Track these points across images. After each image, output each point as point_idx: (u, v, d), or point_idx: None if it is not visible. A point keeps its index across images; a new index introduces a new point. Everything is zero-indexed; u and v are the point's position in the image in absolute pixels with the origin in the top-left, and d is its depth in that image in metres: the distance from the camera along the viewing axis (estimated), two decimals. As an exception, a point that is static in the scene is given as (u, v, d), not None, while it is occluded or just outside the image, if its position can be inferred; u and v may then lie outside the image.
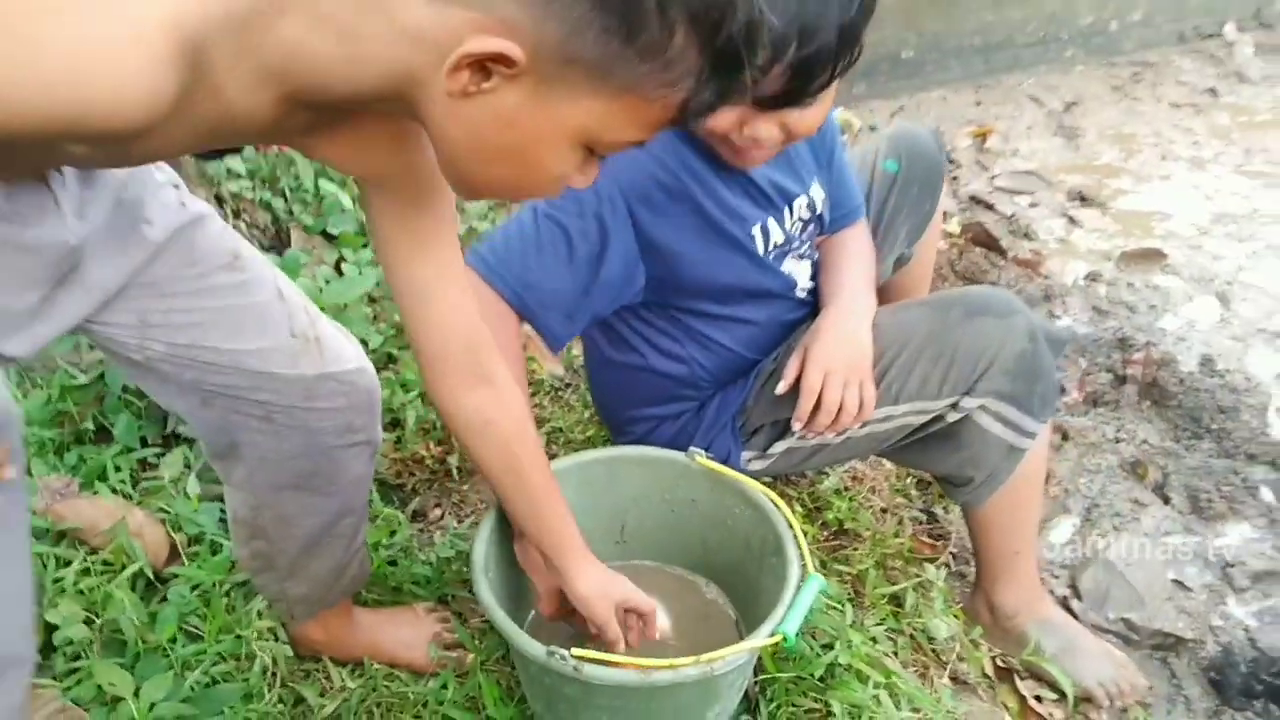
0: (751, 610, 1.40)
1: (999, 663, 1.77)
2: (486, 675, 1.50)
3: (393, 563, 1.72)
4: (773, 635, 1.21)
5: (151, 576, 1.62)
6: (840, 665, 1.46)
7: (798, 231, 1.66)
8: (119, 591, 1.55)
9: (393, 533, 1.77)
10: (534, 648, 1.19)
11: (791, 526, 1.37)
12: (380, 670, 1.53)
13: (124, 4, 0.71)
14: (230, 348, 1.18)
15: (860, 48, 1.36)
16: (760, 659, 1.47)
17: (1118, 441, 2.52)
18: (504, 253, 1.43)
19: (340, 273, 2.26)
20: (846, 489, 1.99)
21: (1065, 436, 2.52)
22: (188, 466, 1.82)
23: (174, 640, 1.53)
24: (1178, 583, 2.12)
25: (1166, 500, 2.35)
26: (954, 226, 3.29)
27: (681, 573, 1.61)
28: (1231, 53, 5.07)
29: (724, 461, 1.53)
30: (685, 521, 1.56)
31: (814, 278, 1.73)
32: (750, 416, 1.66)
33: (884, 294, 1.96)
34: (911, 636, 1.68)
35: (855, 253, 1.75)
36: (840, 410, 1.51)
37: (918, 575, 1.79)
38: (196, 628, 1.56)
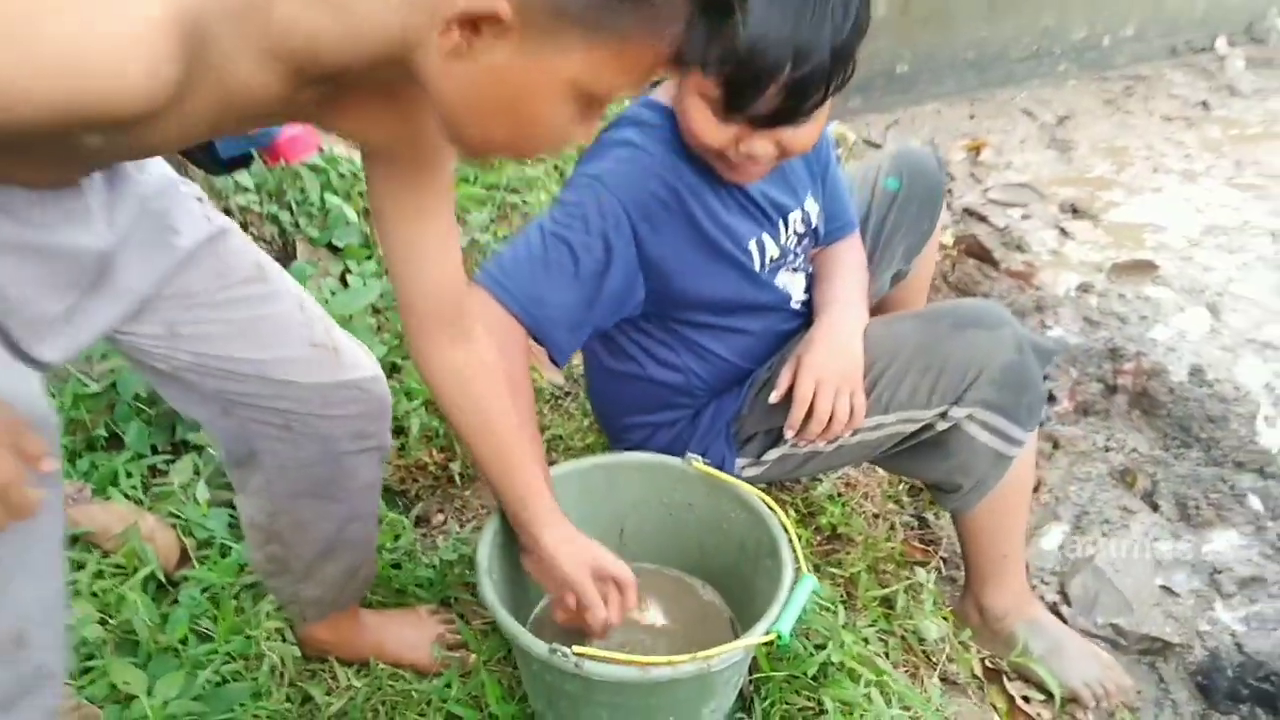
0: (747, 610, 1.43)
1: (987, 664, 1.81)
2: (489, 674, 1.54)
3: (397, 566, 1.75)
4: (767, 634, 1.24)
5: (163, 579, 1.66)
6: (833, 664, 1.50)
7: (793, 245, 1.70)
8: (131, 593, 1.58)
9: (397, 537, 1.80)
10: (536, 645, 1.22)
11: (786, 529, 1.40)
12: (385, 670, 1.56)
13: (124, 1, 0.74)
14: (254, 357, 1.21)
15: (853, 66, 1.41)
16: (755, 658, 1.50)
17: (1108, 450, 2.56)
18: (513, 270, 1.47)
19: (345, 284, 2.30)
20: (839, 495, 2.02)
21: (1056, 445, 2.55)
22: (197, 473, 1.86)
23: (185, 641, 1.57)
24: (1166, 588, 2.16)
25: (1155, 508, 2.38)
26: (947, 238, 3.33)
27: (679, 575, 1.64)
28: (1223, 66, 5.12)
29: (719, 468, 1.56)
30: (682, 525, 1.59)
31: (808, 290, 1.76)
32: (744, 424, 1.69)
33: (881, 308, 2.00)
34: (902, 638, 1.72)
35: (849, 264, 1.79)
36: (831, 419, 1.54)
37: (909, 578, 1.82)
38: (207, 629, 1.59)
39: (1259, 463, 2.50)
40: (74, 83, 0.73)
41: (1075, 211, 3.80)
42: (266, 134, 2.05)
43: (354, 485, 1.39)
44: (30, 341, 1.01)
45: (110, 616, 1.57)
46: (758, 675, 1.51)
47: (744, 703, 1.51)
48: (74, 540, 1.68)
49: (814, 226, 1.74)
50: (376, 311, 2.25)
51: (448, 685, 1.53)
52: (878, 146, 4.23)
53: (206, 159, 2.15)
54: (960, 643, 1.77)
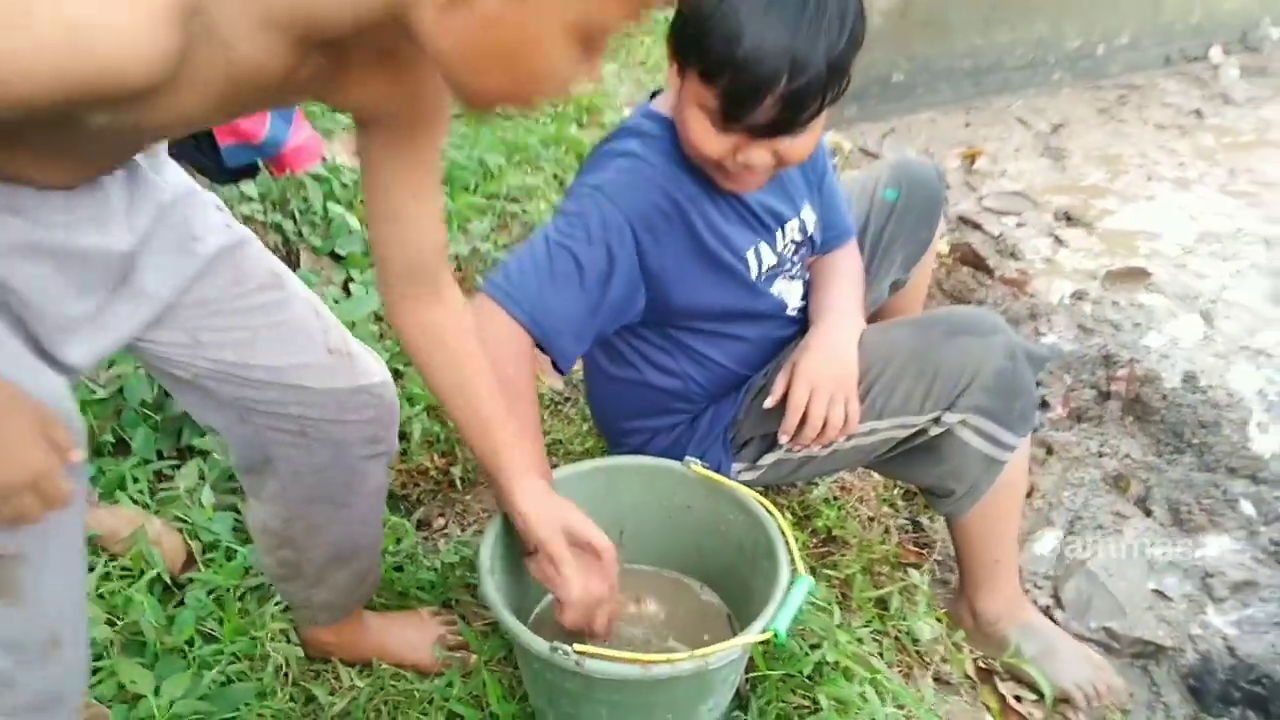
0: (744, 610, 1.45)
1: (980, 664, 1.83)
2: (490, 673, 1.56)
3: (399, 569, 1.77)
4: (764, 632, 1.26)
5: (169, 581, 1.68)
6: (828, 663, 1.52)
7: (790, 253, 1.72)
8: (139, 595, 1.60)
9: (399, 540, 1.82)
10: (537, 643, 1.24)
11: (782, 531, 1.42)
12: (387, 670, 1.58)
13: None
14: (273, 364, 1.22)
15: (849, 78, 1.43)
16: (752, 657, 1.52)
17: (1101, 456, 2.58)
18: (519, 280, 1.49)
19: (348, 292, 2.32)
20: (835, 498, 2.05)
21: (1050, 451, 2.57)
22: (202, 478, 1.88)
23: (191, 641, 1.59)
24: (1158, 592, 2.18)
25: (1148, 513, 2.41)
26: (942, 246, 3.36)
27: (677, 576, 1.66)
28: (1217, 75, 5.16)
29: (716, 472, 1.58)
30: (681, 527, 1.61)
31: (805, 297, 1.78)
32: (741, 429, 1.72)
33: (879, 316, 2.02)
34: (896, 638, 1.74)
35: (845, 272, 1.81)
36: (825, 424, 1.57)
37: (903, 580, 1.85)
38: (212, 630, 1.62)
39: (1251, 468, 2.53)
40: (74, 53, 0.74)
41: (1069, 219, 3.83)
42: (273, 144, 2.08)
43: (365, 490, 1.41)
44: (56, 344, 1.02)
45: (118, 618, 1.59)
46: (754, 674, 1.53)
47: (741, 701, 1.53)
48: (82, 543, 1.70)
49: (811, 235, 1.76)
50: (379, 319, 2.28)
51: (449, 685, 1.55)
52: (873, 155, 4.26)
53: (213, 168, 2.18)
54: (953, 643, 1.80)
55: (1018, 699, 1.78)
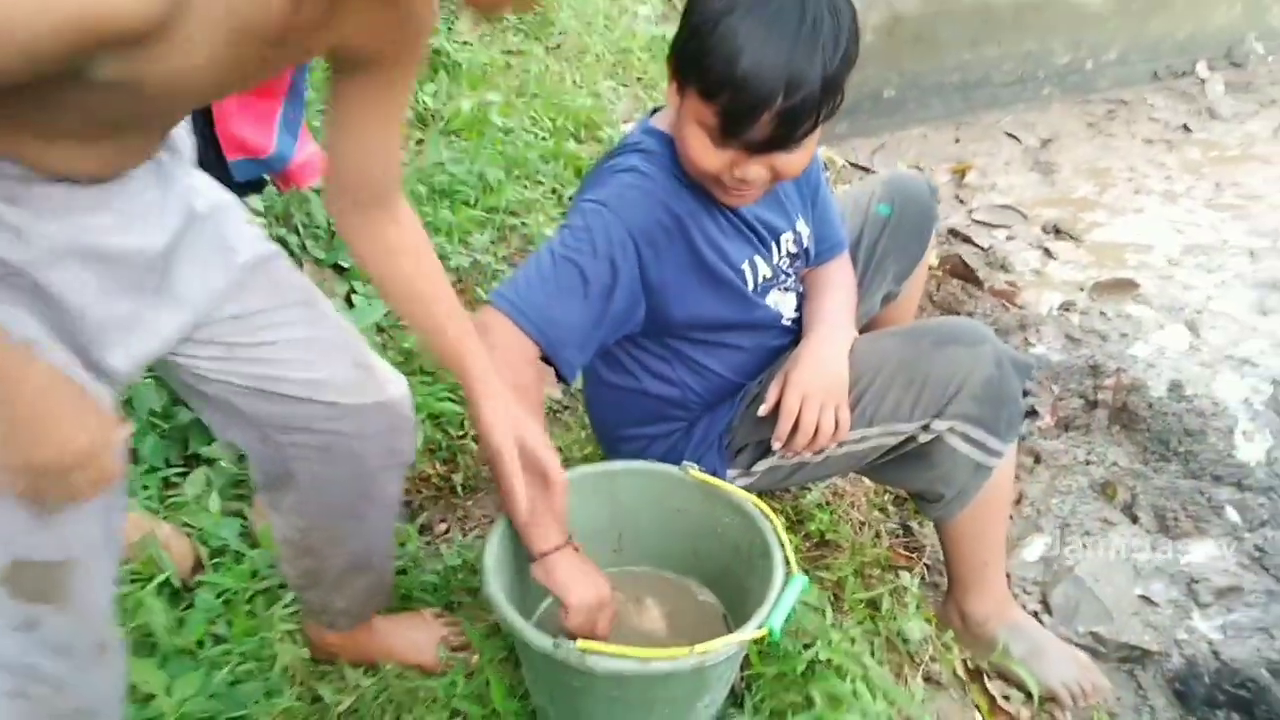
0: (740, 609, 1.48)
1: (969, 664, 1.87)
2: (493, 672, 1.60)
3: (403, 572, 1.81)
4: (760, 629, 1.30)
5: (178, 585, 1.71)
6: (820, 661, 1.56)
7: (784, 265, 1.76)
8: (149, 598, 1.63)
9: (402, 544, 1.85)
10: (541, 640, 1.28)
11: (777, 532, 1.46)
12: (392, 669, 1.62)
13: None
14: (304, 378, 1.24)
15: (843, 95, 1.48)
16: (747, 656, 1.57)
17: (1088, 463, 2.62)
18: (526, 292, 1.52)
19: (351, 304, 2.36)
20: (828, 503, 2.08)
21: (1038, 459, 2.61)
22: (209, 484, 1.92)
23: (201, 643, 1.62)
24: (1144, 598, 2.22)
25: (1135, 519, 2.44)
26: (933, 259, 3.39)
27: (675, 577, 1.70)
28: (1204, 90, 5.18)
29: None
30: (678, 529, 1.65)
31: (799, 308, 1.82)
32: (736, 436, 1.75)
33: (872, 328, 2.04)
34: (887, 638, 1.78)
35: (838, 284, 1.84)
36: (817, 431, 1.60)
37: (893, 582, 1.89)
38: (221, 631, 1.65)
39: (1236, 476, 2.57)
40: (70, 4, 0.76)
41: (1058, 232, 3.87)
42: (279, 159, 2.12)
43: (382, 500, 1.44)
44: (98, 350, 1.04)
45: (129, 620, 1.62)
46: (749, 672, 1.57)
47: (736, 698, 1.57)
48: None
49: (805, 247, 1.80)
50: (381, 330, 2.32)
51: (453, 683, 1.59)
52: (865, 170, 4.30)
53: (222, 183, 2.22)
54: (943, 644, 1.84)
55: (1006, 698, 1.81)
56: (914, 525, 2.25)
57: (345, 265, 2.46)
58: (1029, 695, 1.81)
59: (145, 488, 1.88)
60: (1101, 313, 3.29)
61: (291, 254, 2.42)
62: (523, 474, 1.35)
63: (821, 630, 1.62)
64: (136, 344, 1.08)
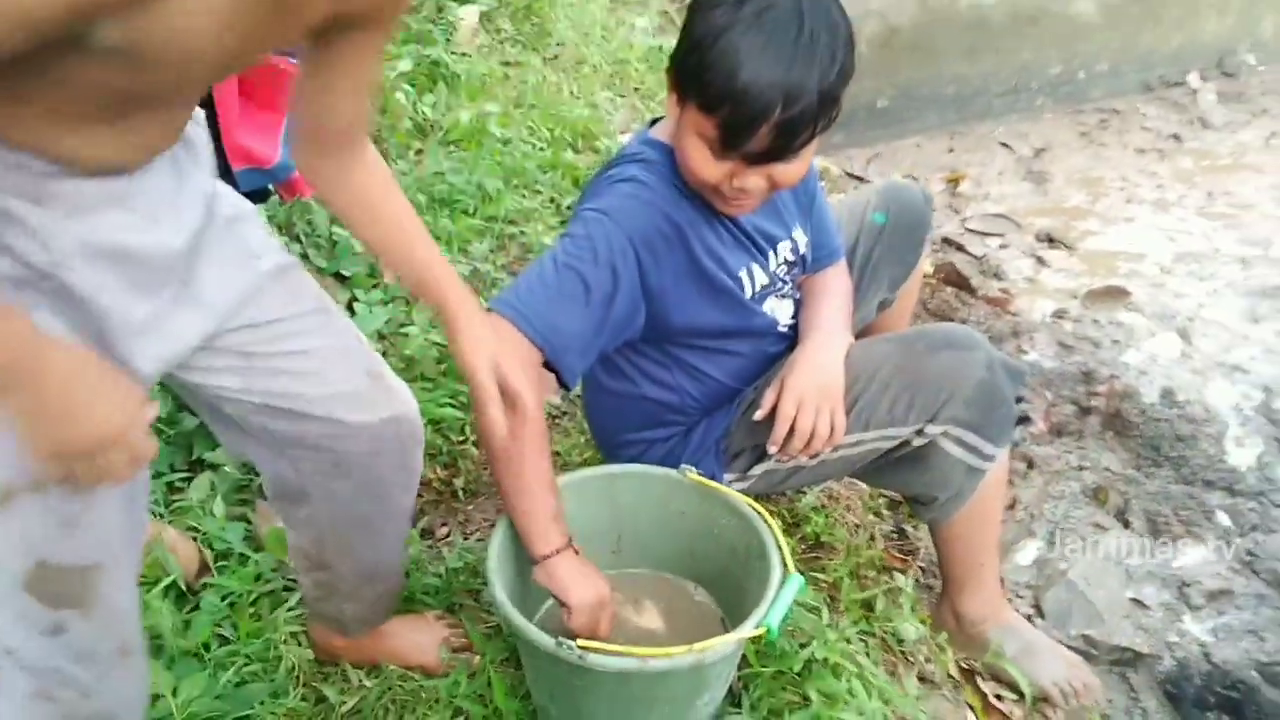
0: (738, 610, 1.50)
1: (962, 664, 1.89)
2: (495, 672, 1.62)
3: (405, 575, 1.83)
4: (758, 628, 1.33)
5: (184, 588, 1.73)
6: (817, 660, 1.58)
7: (782, 273, 1.78)
8: (156, 601, 1.65)
9: (405, 548, 1.88)
10: (543, 639, 1.30)
11: (773, 533, 1.49)
12: (395, 670, 1.64)
13: None
14: (320, 393, 1.26)
15: (839, 108, 1.50)
16: (745, 655, 1.59)
17: (1081, 469, 2.65)
18: (529, 298, 1.54)
19: (353, 312, 2.38)
20: (823, 506, 2.11)
21: (1031, 465, 2.64)
22: (213, 490, 1.94)
23: (207, 644, 1.65)
24: (1136, 601, 2.25)
25: (1127, 524, 2.47)
26: (927, 266, 3.42)
27: (673, 578, 1.72)
28: (1195, 100, 5.21)
29: (709, 480, 1.64)
30: (677, 532, 1.67)
31: (795, 315, 1.84)
32: (733, 440, 1.77)
33: (867, 334, 2.07)
34: (882, 638, 1.80)
35: (833, 291, 1.86)
36: (812, 435, 1.62)
37: (888, 583, 1.92)
38: (227, 633, 1.68)
39: (1227, 481, 2.60)
40: None
41: (1051, 240, 3.90)
42: (284, 169, 2.14)
43: (395, 512, 1.46)
44: (124, 351, 1.05)
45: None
46: (747, 671, 1.60)
47: (734, 698, 1.59)
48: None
49: (802, 255, 1.82)
50: (383, 337, 2.34)
51: (455, 683, 1.61)
52: (860, 179, 4.33)
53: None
54: (937, 644, 1.86)
55: (999, 698, 1.83)
56: (908, 528, 2.28)
57: (347, 274, 2.48)
58: (1021, 695, 1.83)
59: (150, 493, 1.90)
60: (1094, 320, 3.31)
61: (294, 262, 2.44)
62: (500, 402, 1.32)
63: (818, 630, 1.64)
64: (160, 346, 1.08)
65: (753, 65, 1.39)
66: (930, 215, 2.13)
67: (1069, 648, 2.03)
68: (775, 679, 1.59)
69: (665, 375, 1.76)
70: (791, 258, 1.80)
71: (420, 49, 3.57)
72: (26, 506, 1.00)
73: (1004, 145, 4.78)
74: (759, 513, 1.53)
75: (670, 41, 3.91)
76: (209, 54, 0.90)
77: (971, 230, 3.95)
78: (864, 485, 2.25)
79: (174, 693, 1.53)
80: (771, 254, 1.76)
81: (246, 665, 1.63)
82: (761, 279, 1.74)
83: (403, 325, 2.38)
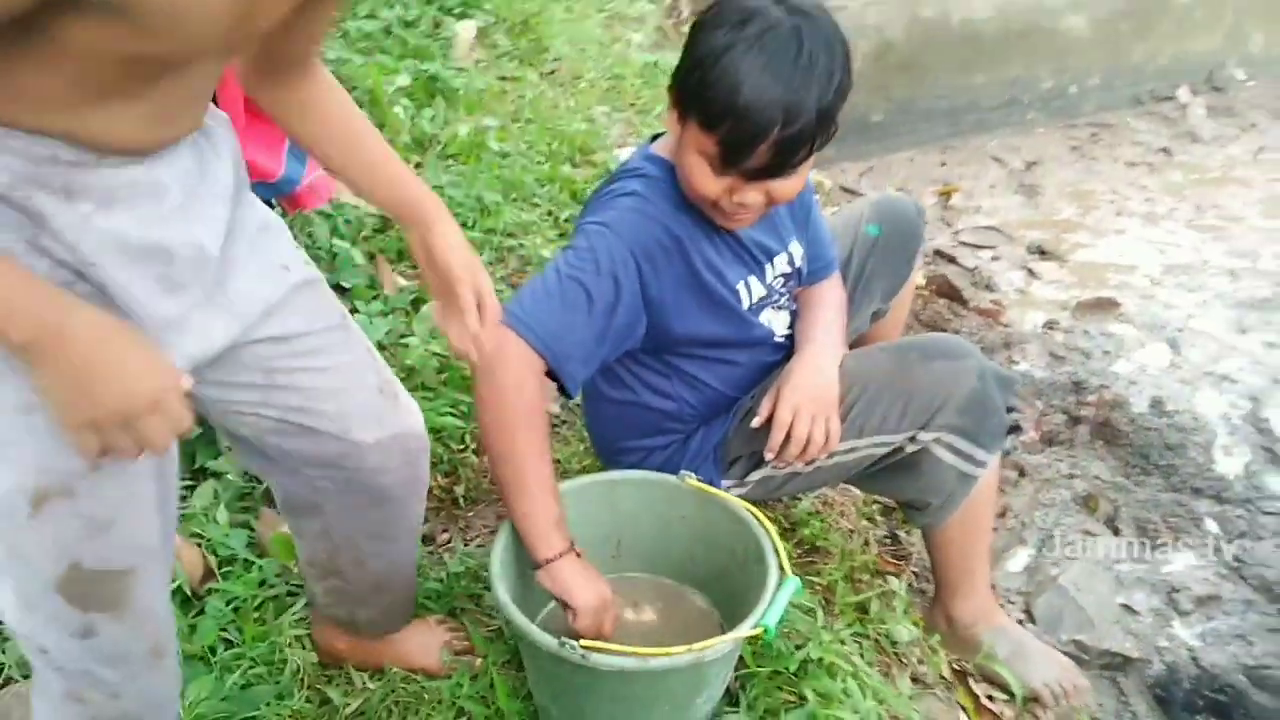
0: (735, 613, 1.51)
1: (955, 666, 1.92)
2: (497, 673, 1.65)
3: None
4: (755, 627, 1.36)
5: (189, 593, 1.75)
6: (812, 660, 1.61)
7: (778, 285, 1.81)
8: (162, 605, 1.69)
9: (407, 554, 1.91)
10: (546, 639, 1.33)
11: (770, 537, 1.51)
12: (398, 673, 1.67)
13: None
14: (334, 410, 1.26)
15: (836, 125, 1.54)
16: (742, 656, 1.62)
17: (1071, 477, 2.68)
18: (532, 308, 1.57)
19: (353, 322, 2.42)
20: (818, 512, 2.13)
21: (1022, 473, 2.67)
22: (216, 497, 1.97)
23: (213, 648, 1.67)
24: (1126, 606, 2.28)
25: (1116, 531, 2.50)
26: (919, 278, 3.45)
27: (672, 582, 1.75)
28: (1185, 114, 5.25)
29: (707, 486, 1.66)
30: (675, 536, 1.70)
31: (791, 325, 1.87)
32: (730, 447, 1.80)
33: (860, 344, 2.09)
34: (876, 640, 1.83)
35: (828, 303, 1.90)
36: (808, 442, 1.65)
37: (882, 587, 1.94)
38: (232, 637, 1.70)
39: (1215, 489, 2.63)
40: None
41: (1042, 252, 3.93)
42: (288, 182, 2.16)
43: (406, 523, 1.49)
44: (159, 344, 1.03)
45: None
46: (744, 672, 1.63)
47: (732, 698, 1.62)
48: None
49: (797, 267, 1.86)
50: (383, 348, 2.37)
51: (458, 684, 1.64)
52: (853, 192, 4.36)
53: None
54: (929, 646, 1.89)
55: (990, 698, 1.86)
56: (901, 534, 2.31)
57: (347, 286, 2.51)
58: (1013, 695, 1.86)
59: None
60: (1084, 331, 3.35)
61: (295, 274, 2.47)
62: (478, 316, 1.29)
63: (813, 631, 1.67)
64: (190, 345, 1.07)
65: (753, 84, 1.43)
66: (923, 228, 2.16)
67: (1061, 653, 2.05)
68: (772, 679, 1.62)
69: (664, 384, 1.79)
70: (788, 270, 1.83)
71: (418, 64, 3.61)
72: (59, 509, 1.00)
73: (996, 159, 4.81)
74: (756, 517, 1.56)
75: (666, 57, 3.95)
76: (199, 10, 0.86)
77: (963, 243, 3.99)
78: (858, 491, 2.27)
79: (181, 695, 1.55)
80: (768, 266, 1.79)
81: (252, 668, 1.65)
82: (759, 291, 1.77)
83: (403, 336, 2.41)
